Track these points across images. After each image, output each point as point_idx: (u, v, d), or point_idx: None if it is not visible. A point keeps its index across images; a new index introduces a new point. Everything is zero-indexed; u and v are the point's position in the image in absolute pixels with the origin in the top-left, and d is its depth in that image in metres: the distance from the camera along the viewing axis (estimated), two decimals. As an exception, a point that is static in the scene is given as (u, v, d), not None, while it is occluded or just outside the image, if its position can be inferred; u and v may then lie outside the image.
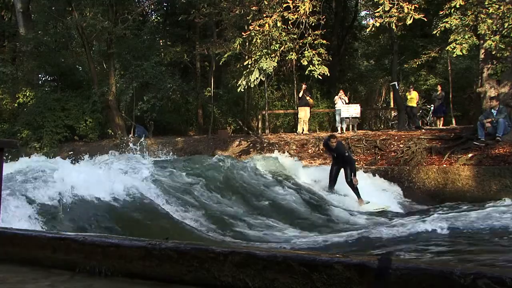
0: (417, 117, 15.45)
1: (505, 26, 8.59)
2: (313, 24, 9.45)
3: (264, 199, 7.36)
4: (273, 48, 9.41)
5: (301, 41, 9.81)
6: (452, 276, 1.27)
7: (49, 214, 4.56)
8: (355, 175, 8.47)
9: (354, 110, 14.55)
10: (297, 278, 1.48)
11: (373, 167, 10.51)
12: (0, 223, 2.95)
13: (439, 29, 9.31)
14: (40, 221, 4.35)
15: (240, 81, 9.85)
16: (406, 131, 12.98)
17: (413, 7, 8.57)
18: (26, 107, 17.67)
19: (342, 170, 8.80)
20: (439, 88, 16.44)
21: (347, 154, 8.72)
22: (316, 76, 9.48)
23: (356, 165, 9.13)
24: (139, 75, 17.01)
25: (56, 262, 2.00)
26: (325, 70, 9.37)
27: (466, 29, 8.98)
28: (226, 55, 11.17)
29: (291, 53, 9.76)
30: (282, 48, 9.58)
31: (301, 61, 9.49)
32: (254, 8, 10.19)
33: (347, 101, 15.27)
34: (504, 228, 5.39)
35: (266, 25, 9.16)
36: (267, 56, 9.38)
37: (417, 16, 8.55)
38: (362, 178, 9.26)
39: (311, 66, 9.36)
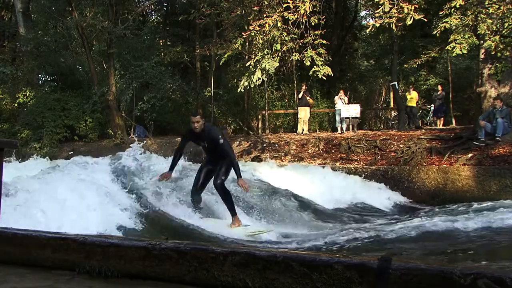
0: (417, 117, 15.46)
1: (505, 26, 8.59)
2: (313, 24, 9.44)
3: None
4: (274, 48, 9.40)
5: (301, 41, 9.80)
6: (452, 276, 1.27)
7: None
8: (240, 176, 5.44)
9: (354, 110, 14.55)
10: (297, 278, 1.48)
11: (373, 167, 10.51)
12: None
13: (439, 29, 9.31)
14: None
15: (242, 82, 9.84)
16: (406, 131, 12.98)
17: (413, 8, 8.56)
18: (26, 107, 17.66)
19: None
20: (439, 88, 16.45)
21: (221, 141, 5.58)
22: (320, 76, 9.46)
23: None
24: (139, 75, 17.01)
25: (56, 262, 2.00)
26: (328, 70, 9.35)
27: (466, 29, 8.97)
28: (226, 55, 11.16)
29: (294, 53, 9.75)
30: (284, 48, 9.57)
31: (304, 61, 9.47)
32: (255, 8, 10.19)
33: (347, 101, 15.28)
34: (503, 228, 5.39)
35: (266, 25, 9.15)
36: (268, 56, 9.36)
37: (417, 17, 8.54)
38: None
39: (315, 66, 9.36)
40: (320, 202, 8.22)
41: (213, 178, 5.67)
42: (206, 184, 5.87)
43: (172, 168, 5.82)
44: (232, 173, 5.63)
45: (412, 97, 14.99)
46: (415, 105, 15.11)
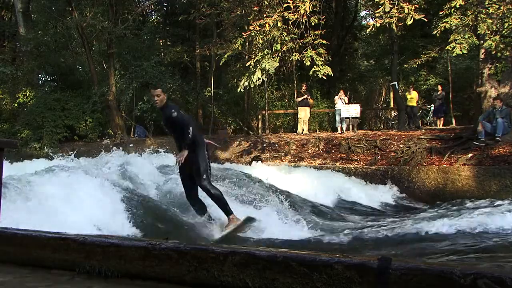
0: (417, 117, 15.47)
1: (505, 26, 8.59)
2: (313, 24, 9.45)
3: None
4: (274, 48, 9.41)
5: (301, 41, 9.81)
6: (452, 276, 1.27)
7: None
8: (185, 148, 4.82)
9: (354, 110, 14.55)
10: (297, 278, 1.48)
11: (373, 167, 10.51)
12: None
13: (439, 29, 9.32)
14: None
15: (242, 82, 9.84)
16: (406, 131, 12.99)
17: (413, 8, 8.57)
18: (26, 107, 17.67)
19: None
20: (439, 88, 16.46)
21: (175, 114, 4.91)
22: (320, 76, 9.47)
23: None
24: (139, 75, 17.02)
25: (56, 262, 2.00)
26: (328, 70, 9.36)
27: (466, 29, 8.98)
28: (226, 55, 11.17)
29: (294, 53, 9.76)
30: (284, 48, 9.58)
31: (304, 61, 9.47)
32: (255, 8, 10.21)
33: (347, 101, 15.28)
34: (502, 227, 5.38)
35: (267, 25, 9.16)
36: (268, 56, 9.37)
37: (417, 17, 8.55)
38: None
39: (315, 66, 9.36)
40: (319, 202, 8.22)
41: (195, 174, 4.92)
42: (196, 186, 5.09)
43: None
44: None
45: (412, 97, 15.00)
46: (415, 104, 15.12)
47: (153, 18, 23.29)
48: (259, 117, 18.47)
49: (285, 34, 9.56)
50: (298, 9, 9.20)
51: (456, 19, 8.94)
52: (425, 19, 9.04)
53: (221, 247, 1.69)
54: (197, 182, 4.98)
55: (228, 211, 5.01)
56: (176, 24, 20.33)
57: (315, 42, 9.54)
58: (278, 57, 9.73)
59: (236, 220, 4.99)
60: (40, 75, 20.38)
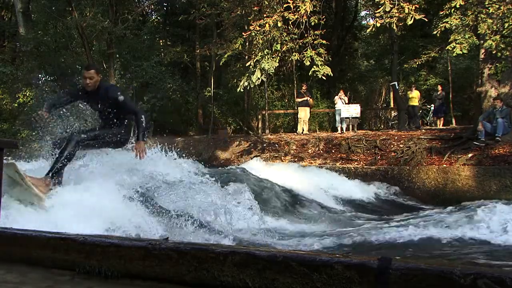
0: (418, 117, 15.46)
1: (505, 26, 8.59)
2: (313, 24, 9.46)
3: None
4: (274, 48, 9.41)
5: (301, 41, 9.82)
6: (452, 276, 1.27)
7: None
8: (141, 139, 4.55)
9: (354, 110, 14.56)
10: (297, 278, 1.48)
11: (373, 167, 10.51)
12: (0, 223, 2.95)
13: (439, 29, 9.32)
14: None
15: (242, 82, 9.85)
16: (406, 131, 12.98)
17: (413, 8, 8.57)
18: (26, 107, 17.67)
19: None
20: (439, 88, 16.46)
21: (121, 97, 4.65)
22: (319, 76, 9.47)
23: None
24: (139, 75, 17.03)
25: (56, 262, 2.00)
26: (328, 70, 9.36)
27: (466, 29, 8.98)
28: (226, 55, 11.17)
29: (294, 53, 9.76)
30: (284, 48, 9.58)
31: (304, 61, 9.47)
32: (255, 8, 10.22)
33: (347, 101, 15.29)
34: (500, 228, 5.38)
35: (267, 25, 9.16)
36: (268, 56, 9.37)
37: (417, 17, 8.56)
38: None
39: (314, 66, 9.37)
40: (320, 201, 8.22)
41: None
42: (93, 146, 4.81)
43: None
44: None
45: (414, 96, 14.99)
46: (417, 104, 15.11)
47: (153, 18, 23.30)
48: (259, 117, 18.48)
49: (285, 34, 9.56)
50: (298, 9, 9.20)
51: (456, 19, 8.94)
52: (425, 19, 9.05)
53: (221, 247, 1.69)
54: (77, 131, 4.88)
55: (52, 172, 4.58)
56: (176, 24, 20.34)
57: (315, 42, 9.54)
58: (278, 57, 9.73)
59: (49, 184, 4.50)
60: (40, 75, 20.37)
